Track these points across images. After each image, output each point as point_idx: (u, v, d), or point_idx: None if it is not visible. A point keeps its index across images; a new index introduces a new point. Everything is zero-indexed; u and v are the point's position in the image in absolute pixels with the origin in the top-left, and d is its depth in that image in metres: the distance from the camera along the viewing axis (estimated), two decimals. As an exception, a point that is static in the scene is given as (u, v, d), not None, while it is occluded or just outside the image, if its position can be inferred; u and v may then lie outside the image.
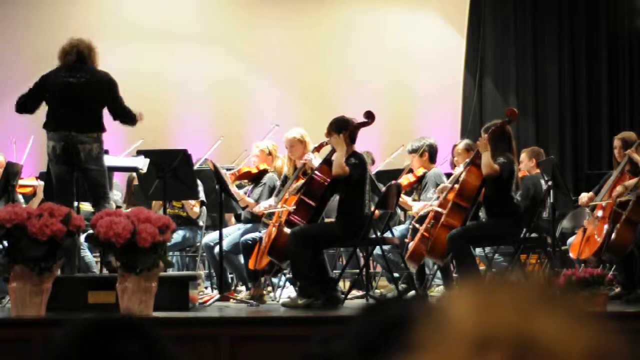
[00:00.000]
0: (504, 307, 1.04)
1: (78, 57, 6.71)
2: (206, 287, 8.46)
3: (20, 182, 7.92)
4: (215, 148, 8.99)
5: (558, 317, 1.03)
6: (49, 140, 6.73)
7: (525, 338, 1.02)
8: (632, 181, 7.37)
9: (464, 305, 1.06)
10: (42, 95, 6.78)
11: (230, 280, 8.34)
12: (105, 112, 6.77)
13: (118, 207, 8.15)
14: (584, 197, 7.78)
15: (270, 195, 8.04)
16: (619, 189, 7.37)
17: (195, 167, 8.08)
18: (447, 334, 1.04)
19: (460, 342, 1.03)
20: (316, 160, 7.43)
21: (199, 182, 8.00)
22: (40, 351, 5.09)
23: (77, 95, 6.64)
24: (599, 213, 7.54)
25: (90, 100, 6.66)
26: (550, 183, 7.79)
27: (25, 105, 6.84)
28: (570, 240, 8.05)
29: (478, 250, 7.97)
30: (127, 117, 6.80)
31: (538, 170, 8.52)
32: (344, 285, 8.23)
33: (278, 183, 8.07)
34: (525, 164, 8.79)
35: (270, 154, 8.35)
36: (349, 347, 1.29)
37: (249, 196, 8.20)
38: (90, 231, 5.80)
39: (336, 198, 7.18)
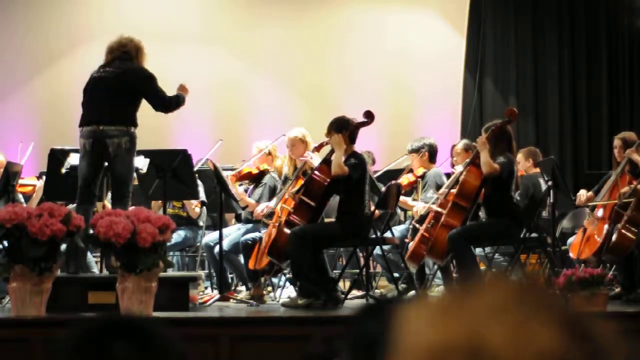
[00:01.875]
0: (456, 319, 1.06)
1: (122, 55, 6.65)
2: (206, 287, 8.46)
3: (21, 181, 7.92)
4: (215, 150, 8.98)
5: (509, 324, 1.04)
6: (80, 138, 6.64)
7: (477, 347, 1.03)
8: (635, 184, 7.37)
9: (420, 320, 1.07)
10: None
11: (230, 280, 8.34)
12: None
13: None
14: (582, 195, 7.78)
15: (270, 196, 8.05)
16: (624, 189, 7.37)
17: (196, 167, 8.07)
18: (405, 348, 1.06)
19: (417, 356, 1.05)
20: (316, 159, 7.44)
21: (199, 182, 8.00)
22: (40, 351, 5.09)
23: (106, 88, 6.55)
24: (599, 213, 7.54)
25: (120, 92, 6.56)
26: (550, 183, 7.79)
27: None
28: (570, 240, 8.05)
29: (478, 250, 7.97)
30: (169, 106, 6.79)
31: (535, 170, 8.53)
32: (344, 285, 8.23)
33: (279, 183, 8.08)
34: (522, 164, 8.79)
35: (270, 154, 8.36)
36: (349, 346, 1.30)
37: (249, 196, 8.21)
38: (90, 231, 5.79)
39: (336, 198, 7.18)
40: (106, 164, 6.62)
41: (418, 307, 1.08)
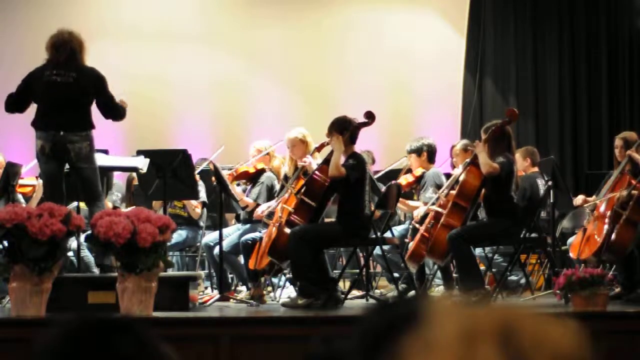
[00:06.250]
0: (486, 309, 1.10)
1: (70, 54, 6.54)
2: (206, 287, 8.46)
3: (20, 181, 7.91)
4: (216, 156, 8.97)
5: (536, 317, 1.10)
6: (37, 139, 6.59)
7: (507, 325, 1.07)
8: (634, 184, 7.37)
9: (445, 308, 1.10)
10: (30, 93, 6.64)
11: (230, 280, 8.34)
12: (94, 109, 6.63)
13: (115, 207, 8.15)
14: (579, 198, 7.80)
15: (268, 195, 8.05)
16: (622, 192, 7.36)
17: (197, 170, 8.07)
18: (433, 336, 1.07)
19: (447, 341, 1.06)
20: (316, 161, 7.43)
21: (201, 183, 8.00)
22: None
23: (64, 94, 6.49)
24: (599, 213, 7.54)
25: (79, 98, 6.52)
26: (550, 183, 7.79)
27: (14, 104, 6.71)
28: (570, 240, 8.05)
29: (478, 250, 7.97)
30: (117, 113, 6.64)
31: (534, 170, 8.52)
32: (344, 285, 8.23)
33: (276, 182, 8.08)
34: (520, 164, 8.78)
35: (267, 154, 8.36)
36: (354, 346, 1.30)
37: (247, 196, 8.20)
38: (90, 231, 5.79)
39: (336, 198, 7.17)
40: (67, 166, 6.60)
41: (445, 301, 1.12)
